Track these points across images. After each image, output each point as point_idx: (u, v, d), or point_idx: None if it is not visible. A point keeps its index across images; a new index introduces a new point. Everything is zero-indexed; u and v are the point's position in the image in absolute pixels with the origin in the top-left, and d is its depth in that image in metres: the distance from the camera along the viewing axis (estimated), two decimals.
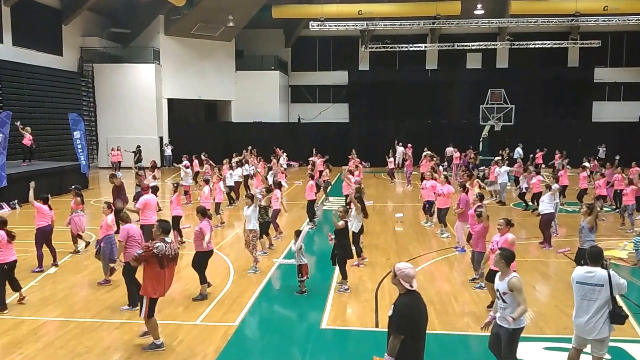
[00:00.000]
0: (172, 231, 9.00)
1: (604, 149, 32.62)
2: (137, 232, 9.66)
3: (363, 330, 8.86)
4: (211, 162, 22.73)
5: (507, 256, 6.70)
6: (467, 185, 14.74)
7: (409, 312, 5.29)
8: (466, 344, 8.38)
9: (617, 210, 18.08)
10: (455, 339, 8.47)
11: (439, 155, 29.09)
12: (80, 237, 13.76)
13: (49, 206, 12.21)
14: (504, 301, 6.50)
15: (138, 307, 9.52)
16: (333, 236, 10.76)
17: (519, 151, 31.25)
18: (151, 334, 8.03)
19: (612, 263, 12.49)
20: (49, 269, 12.07)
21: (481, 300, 10.09)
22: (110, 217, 11.19)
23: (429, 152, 25.42)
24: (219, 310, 9.61)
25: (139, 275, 8.87)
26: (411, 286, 5.37)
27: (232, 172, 20.17)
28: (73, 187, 14.15)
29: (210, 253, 10.45)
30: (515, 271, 6.71)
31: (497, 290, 6.65)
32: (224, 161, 21.90)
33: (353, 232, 11.99)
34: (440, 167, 24.41)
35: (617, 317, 6.46)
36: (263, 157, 25.28)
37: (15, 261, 9.77)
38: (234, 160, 22.68)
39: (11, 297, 9.96)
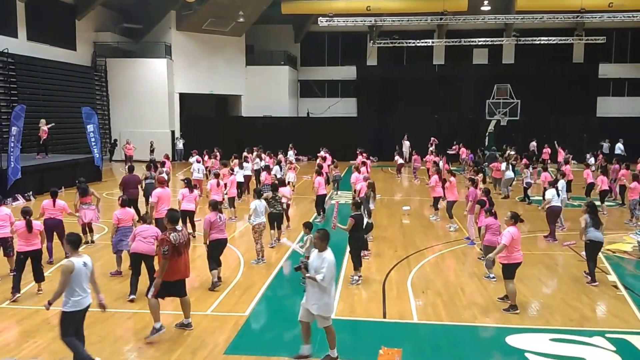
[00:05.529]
0: (181, 223, 9.14)
1: (609, 144, 32.64)
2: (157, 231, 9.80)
3: (371, 320, 9.01)
4: (219, 155, 23.08)
5: None
6: (476, 179, 14.90)
7: None
8: (473, 335, 8.52)
9: (623, 205, 18.12)
10: (462, 329, 8.60)
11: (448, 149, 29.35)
12: (90, 228, 13.90)
13: (54, 201, 12.07)
14: None
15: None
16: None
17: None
18: (151, 314, 8.03)
19: (617, 256, 12.73)
20: (61, 260, 12.17)
21: (487, 292, 10.22)
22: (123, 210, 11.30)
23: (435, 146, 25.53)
24: (229, 301, 9.76)
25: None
26: None
27: (238, 168, 20.13)
28: (77, 181, 14.25)
29: (224, 241, 10.56)
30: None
31: None
32: (233, 156, 22.09)
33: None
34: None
35: None
36: (272, 152, 25.37)
37: (34, 251, 9.90)
38: (245, 155, 22.90)
39: (27, 286, 10.13)
